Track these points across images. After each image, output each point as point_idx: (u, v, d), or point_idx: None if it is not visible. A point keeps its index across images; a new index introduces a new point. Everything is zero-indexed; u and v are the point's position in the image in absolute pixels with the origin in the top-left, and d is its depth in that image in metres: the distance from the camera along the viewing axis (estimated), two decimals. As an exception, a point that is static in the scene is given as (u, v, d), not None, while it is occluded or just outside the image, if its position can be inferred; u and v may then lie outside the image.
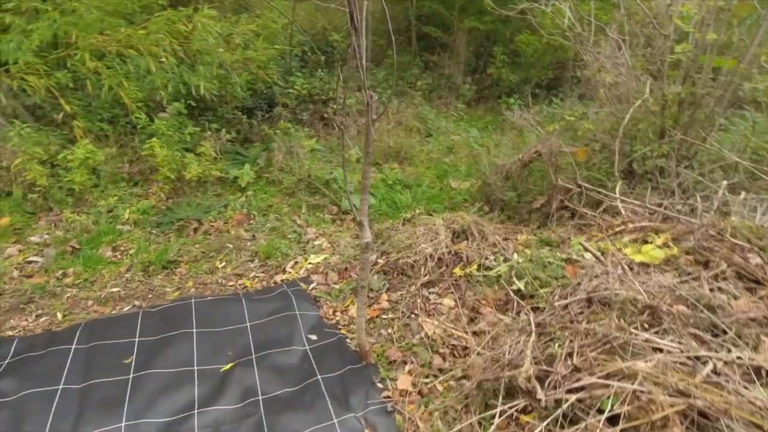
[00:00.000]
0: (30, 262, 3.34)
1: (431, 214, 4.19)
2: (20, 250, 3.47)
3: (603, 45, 3.86)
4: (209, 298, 2.90)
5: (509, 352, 1.86)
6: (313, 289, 3.09)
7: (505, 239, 3.36)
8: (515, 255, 2.88)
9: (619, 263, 2.19)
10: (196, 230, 3.74)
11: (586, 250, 2.43)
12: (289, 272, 3.30)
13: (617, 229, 2.85)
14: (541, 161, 3.88)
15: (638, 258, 2.31)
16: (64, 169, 4.03)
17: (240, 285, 3.20)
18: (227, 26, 4.54)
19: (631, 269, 2.18)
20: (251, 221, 3.98)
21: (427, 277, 2.90)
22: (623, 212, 3.06)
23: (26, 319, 2.75)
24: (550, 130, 3.76)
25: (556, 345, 1.78)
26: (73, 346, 2.43)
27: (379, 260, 3.13)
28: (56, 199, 4.05)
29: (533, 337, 1.86)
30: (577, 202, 3.50)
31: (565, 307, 2.02)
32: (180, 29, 4.26)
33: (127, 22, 4.66)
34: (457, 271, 2.88)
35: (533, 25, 8.22)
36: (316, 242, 3.67)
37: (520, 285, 2.49)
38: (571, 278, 2.43)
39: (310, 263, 3.37)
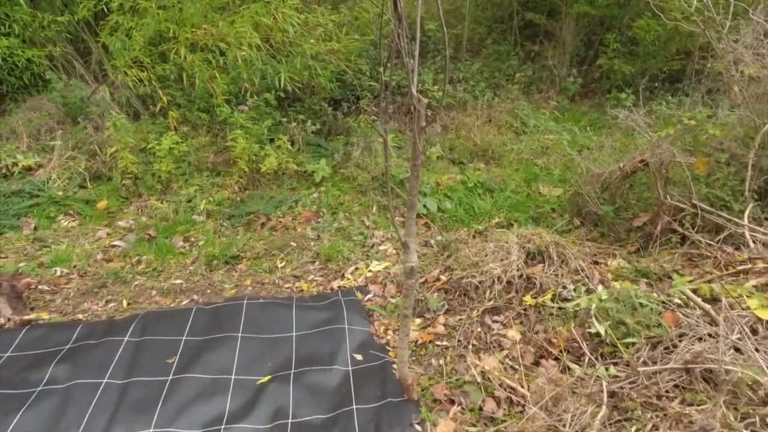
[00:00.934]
0: (114, 246, 3.54)
1: (512, 224, 3.78)
2: (108, 234, 3.71)
3: (743, 31, 3.13)
4: (261, 301, 2.82)
5: (570, 424, 1.49)
6: (368, 300, 2.89)
7: (594, 262, 2.88)
8: (600, 287, 2.42)
9: (736, 322, 1.68)
10: (263, 225, 3.73)
11: (690, 299, 1.91)
12: (348, 278, 3.14)
13: (740, 268, 2.26)
14: (648, 172, 3.27)
15: (766, 316, 1.76)
16: (156, 157, 4.25)
17: (296, 288, 3.09)
18: (310, 17, 4.45)
19: (755, 333, 1.66)
20: (319, 219, 3.88)
21: (492, 302, 2.55)
22: (752, 245, 2.44)
23: (97, 303, 2.89)
24: (663, 135, 3.14)
25: (633, 429, 1.38)
26: (126, 338, 2.48)
27: (442, 276, 2.83)
28: (147, 185, 4.29)
29: (604, 410, 1.47)
30: (690, 225, 2.88)
31: (653, 374, 1.58)
32: (265, 22, 4.25)
33: (220, 16, 4.79)
34: (528, 299, 2.49)
35: (655, 8, 7.21)
36: (381, 247, 3.46)
37: (600, 329, 2.05)
38: (667, 329, 1.95)
39: (370, 271, 3.17)
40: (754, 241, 2.46)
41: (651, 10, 6.79)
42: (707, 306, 1.87)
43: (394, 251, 3.41)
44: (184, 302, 2.92)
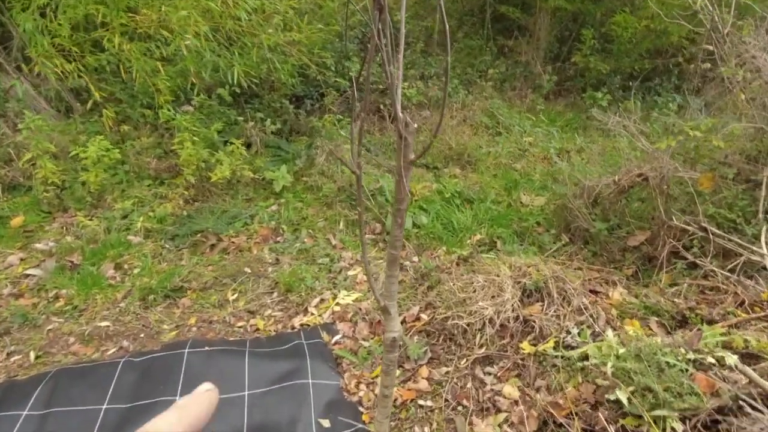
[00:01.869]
0: (27, 276, 2.94)
1: (495, 242, 3.41)
2: (22, 259, 3.10)
3: (749, 31, 2.84)
4: (206, 349, 2.33)
5: None
6: (336, 343, 2.44)
7: (592, 291, 2.53)
8: (610, 332, 2.06)
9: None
10: (213, 247, 3.21)
11: (747, 376, 1.56)
12: (312, 314, 2.68)
13: (772, 311, 1.94)
14: (647, 187, 2.96)
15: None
16: (83, 166, 3.63)
17: (251, 326, 2.61)
18: (266, 3, 3.91)
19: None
20: (279, 238, 3.39)
21: (483, 350, 2.15)
22: (776, 279, 2.13)
23: (-3, 356, 2.32)
24: (663, 147, 2.82)
25: None
26: (25, 413, 1.94)
27: (422, 314, 2.41)
28: (75, 197, 3.67)
29: None
30: (698, 249, 2.57)
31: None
32: (213, 6, 3.68)
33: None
34: (526, 346, 2.11)
35: (631, 4, 6.97)
36: (350, 272, 3.01)
37: (622, 397, 1.68)
38: (703, 398, 1.60)
39: (338, 304, 2.72)
40: (776, 274, 2.16)
41: (628, 5, 6.60)
42: (764, 382, 1.52)
43: (365, 278, 2.97)
44: (111, 351, 2.39)
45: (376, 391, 2.13)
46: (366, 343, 2.40)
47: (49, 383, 2.09)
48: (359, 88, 1.07)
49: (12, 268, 3.00)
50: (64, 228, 3.41)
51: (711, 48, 3.20)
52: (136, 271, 2.94)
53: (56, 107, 5.12)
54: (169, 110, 3.71)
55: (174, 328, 2.56)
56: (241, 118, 4.88)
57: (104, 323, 2.55)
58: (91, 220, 3.36)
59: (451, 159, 4.84)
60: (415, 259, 3.21)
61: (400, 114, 1.10)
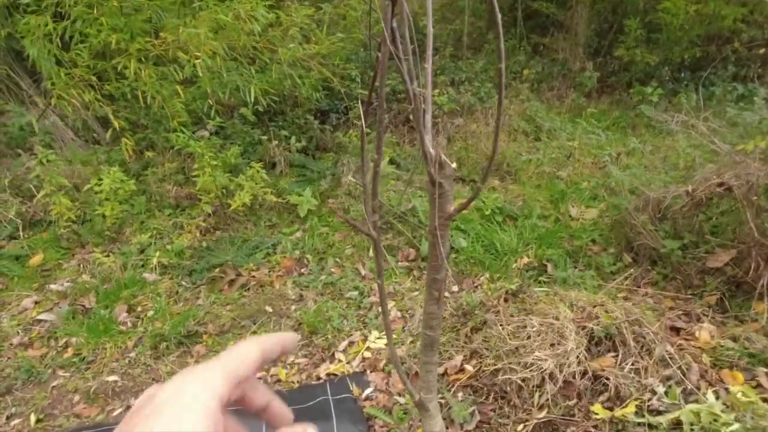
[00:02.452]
0: (39, 321, 2.76)
1: (545, 265, 3.00)
2: (36, 302, 2.93)
3: None
4: (220, 409, 2.04)
5: None
6: (366, 399, 2.11)
7: (673, 328, 2.10)
8: (709, 393, 1.64)
9: None
10: (231, 283, 2.94)
11: None
12: (339, 361, 2.35)
13: None
14: (729, 198, 2.49)
15: None
16: (100, 200, 3.46)
17: (271, 377, 2.31)
18: (282, 15, 3.67)
19: None
20: (303, 269, 3.09)
21: (545, 413, 1.76)
22: None
23: (-4, 420, 2.11)
24: (750, 149, 2.36)
25: None
26: (13, 499, 1.70)
27: (467, 365, 2.05)
28: (94, 231, 3.51)
29: None
30: (805, 275, 2.10)
31: None
32: (224, 20, 3.46)
33: (180, 20, 4.00)
34: (599, 410, 1.71)
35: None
36: (382, 308, 2.68)
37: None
38: None
39: (368, 348, 2.39)
40: None
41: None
42: None
43: (399, 314, 2.64)
44: (117, 411, 2.14)
45: (416, 464, 1.78)
46: (401, 399, 2.05)
47: (44, 458, 1.85)
48: (371, 110, 0.75)
49: (26, 313, 2.82)
50: (81, 266, 3.23)
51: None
52: (149, 313, 2.70)
53: (84, 137, 5.07)
54: (183, 133, 3.50)
55: (187, 382, 2.29)
56: (264, 137, 4.67)
57: (112, 377, 2.30)
58: (107, 256, 3.17)
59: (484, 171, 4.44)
60: (455, 288, 2.84)
61: (431, 150, 0.76)
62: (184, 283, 2.98)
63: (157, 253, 3.10)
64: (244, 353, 0.37)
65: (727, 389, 1.70)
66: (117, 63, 3.64)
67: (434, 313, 0.93)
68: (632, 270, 2.85)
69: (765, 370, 1.76)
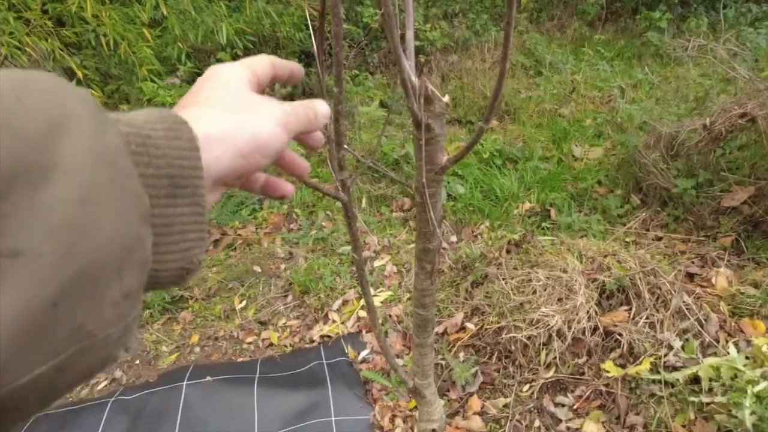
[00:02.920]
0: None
1: (548, 209, 2.83)
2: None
3: None
4: (208, 379, 1.93)
5: None
6: (363, 361, 2.00)
7: (687, 275, 1.96)
8: (731, 345, 1.51)
9: None
10: (217, 243, 2.78)
11: None
12: (333, 321, 2.23)
13: None
14: (751, 131, 2.28)
15: None
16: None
17: (263, 341, 2.20)
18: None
19: None
20: (292, 224, 2.92)
21: (552, 372, 1.65)
22: None
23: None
24: (776, 75, 2.13)
25: None
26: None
27: (468, 323, 1.91)
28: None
29: None
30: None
31: None
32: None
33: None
34: (610, 367, 1.59)
35: None
36: (377, 263, 2.53)
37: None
38: None
39: (363, 305, 2.26)
40: None
41: None
42: None
43: (395, 268, 2.49)
44: (101, 385, 2.04)
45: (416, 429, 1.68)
46: (400, 361, 1.94)
47: (25, 437, 1.76)
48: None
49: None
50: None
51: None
52: (131, 279, 2.56)
53: (51, 91, 4.74)
54: (153, 82, 3.21)
55: (174, 350, 2.17)
56: (246, 84, 4.36)
57: (94, 349, 2.18)
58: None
59: (486, 110, 4.18)
60: (453, 239, 2.69)
61: (414, 78, 0.55)
62: (166, 245, 2.81)
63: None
64: (257, 58, 0.40)
65: (748, 341, 1.57)
66: (72, 3, 3.28)
67: (427, 289, 0.76)
68: (641, 212, 2.68)
69: (790, 318, 1.63)
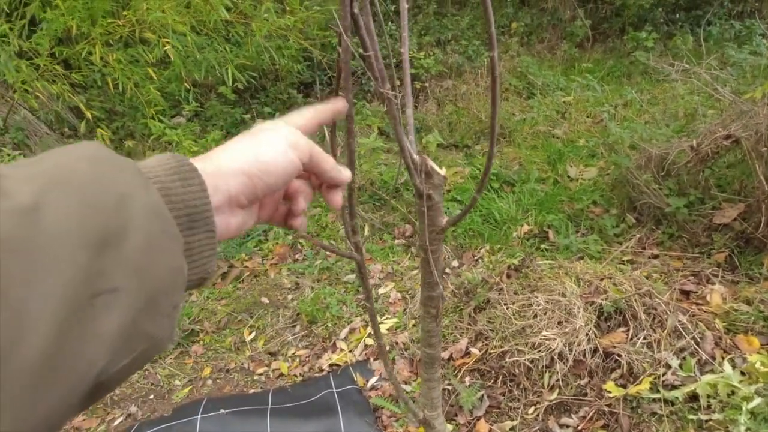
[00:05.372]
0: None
1: (546, 231, 2.91)
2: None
3: None
4: (221, 411, 1.98)
5: None
6: (372, 388, 2.05)
7: (682, 293, 2.03)
8: (726, 363, 1.57)
9: None
10: (224, 275, 2.85)
11: None
12: (341, 350, 2.29)
13: None
14: (737, 151, 2.37)
15: None
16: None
17: (273, 372, 2.25)
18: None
19: None
20: (297, 255, 3.00)
21: (556, 394, 1.71)
22: None
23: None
24: (758, 96, 2.23)
25: None
26: None
27: (472, 348, 1.98)
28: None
29: None
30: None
31: None
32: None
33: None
34: (612, 388, 1.65)
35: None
36: (381, 290, 2.60)
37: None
38: None
39: (370, 334, 2.32)
40: None
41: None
42: None
43: (399, 295, 2.56)
44: (118, 421, 2.09)
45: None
46: (408, 387, 2.00)
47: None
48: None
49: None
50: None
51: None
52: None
53: (58, 130, 4.86)
54: (161, 121, 3.33)
55: (187, 383, 2.23)
56: (247, 116, 4.50)
57: (109, 386, 2.24)
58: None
59: (482, 134, 4.30)
60: (455, 264, 2.76)
61: (416, 157, 0.64)
62: (175, 279, 2.88)
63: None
64: (298, 113, 0.47)
65: (744, 357, 1.63)
66: (81, 49, 3.42)
67: (433, 330, 0.83)
68: (636, 231, 2.76)
69: (782, 333, 1.70)
